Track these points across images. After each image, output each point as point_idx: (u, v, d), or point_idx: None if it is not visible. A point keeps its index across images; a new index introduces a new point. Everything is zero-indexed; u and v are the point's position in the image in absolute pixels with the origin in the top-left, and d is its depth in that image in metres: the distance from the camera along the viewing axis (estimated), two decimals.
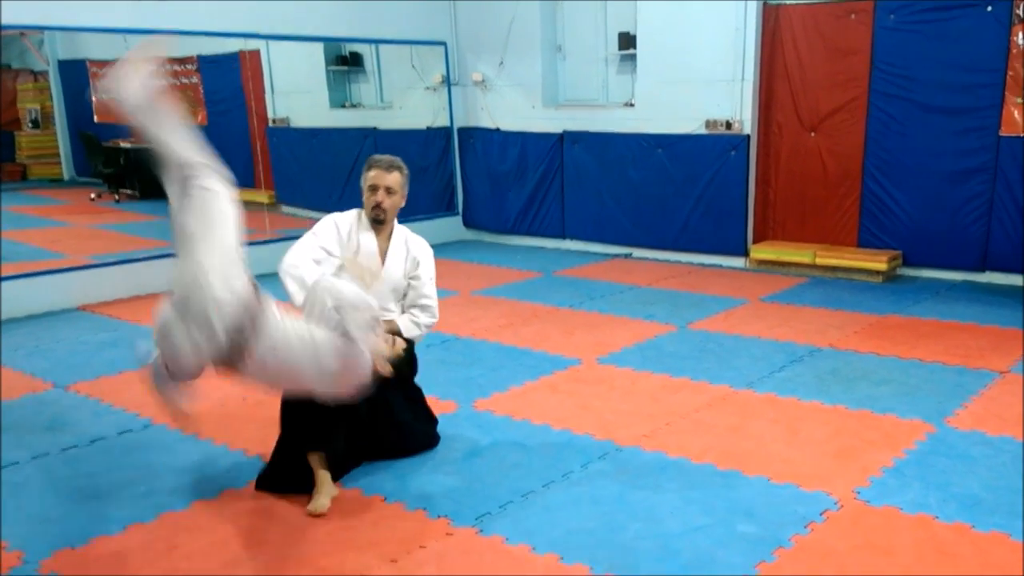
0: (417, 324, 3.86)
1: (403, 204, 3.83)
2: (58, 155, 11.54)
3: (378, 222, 3.78)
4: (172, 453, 4.00)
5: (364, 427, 3.71)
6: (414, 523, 3.29)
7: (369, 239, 3.78)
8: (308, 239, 3.73)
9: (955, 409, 4.29)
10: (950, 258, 7.07)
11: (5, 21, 6.42)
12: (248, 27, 7.74)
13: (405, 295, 3.86)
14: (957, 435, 3.99)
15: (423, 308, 3.86)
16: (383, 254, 3.80)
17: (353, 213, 3.84)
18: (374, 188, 3.73)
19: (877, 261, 7.10)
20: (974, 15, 6.58)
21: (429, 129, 9.56)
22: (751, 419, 4.26)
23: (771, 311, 6.32)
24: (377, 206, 3.73)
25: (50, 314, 6.60)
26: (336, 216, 3.82)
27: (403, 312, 3.87)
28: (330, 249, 3.71)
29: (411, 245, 3.88)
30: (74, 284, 6.88)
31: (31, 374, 5.19)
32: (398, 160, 3.84)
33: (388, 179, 3.73)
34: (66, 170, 11.51)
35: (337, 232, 3.75)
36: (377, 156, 3.85)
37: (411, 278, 3.85)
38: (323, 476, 3.50)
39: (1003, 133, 6.64)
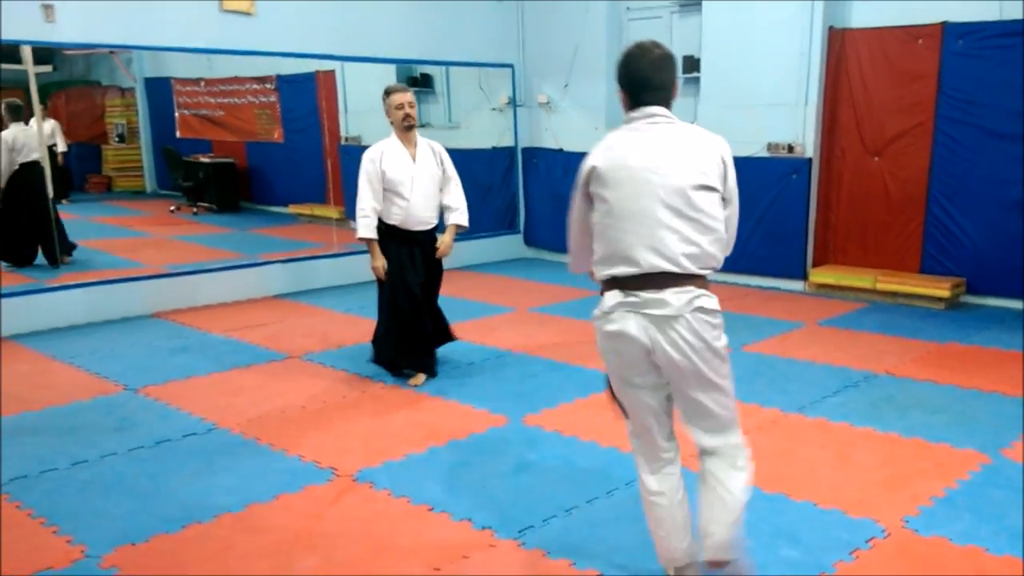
0: (463, 216, 5.34)
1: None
2: (141, 168, 12.02)
3: (410, 128, 5.07)
4: (232, 456, 4.17)
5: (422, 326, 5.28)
6: (459, 533, 3.38)
7: (401, 151, 5.07)
8: (363, 183, 5.03)
9: (1012, 440, 4.20)
10: (1015, 286, 6.87)
11: (98, 40, 6.79)
12: (325, 49, 8.02)
13: (441, 187, 5.24)
14: (1013, 467, 3.90)
15: (459, 208, 5.30)
16: (414, 156, 5.11)
17: (384, 140, 5.10)
18: (401, 106, 5.01)
19: (939, 288, 6.97)
20: None
21: (494, 149, 9.72)
22: (800, 444, 4.24)
23: (828, 335, 6.26)
24: (407, 116, 5.03)
25: (126, 320, 6.92)
26: (368, 153, 5.07)
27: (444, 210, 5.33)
28: (375, 179, 5.01)
29: (432, 145, 5.24)
30: (150, 292, 7.19)
31: (104, 377, 5.46)
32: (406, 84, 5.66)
33: (409, 96, 5.07)
34: (148, 183, 11.98)
35: (377, 164, 5.01)
36: (391, 84, 5.24)
37: (443, 173, 5.24)
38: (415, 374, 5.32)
39: None
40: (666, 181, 2.52)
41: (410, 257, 5.17)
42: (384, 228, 5.11)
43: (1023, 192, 6.72)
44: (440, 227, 5.37)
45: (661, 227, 2.52)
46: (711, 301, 2.56)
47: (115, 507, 3.65)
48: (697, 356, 2.55)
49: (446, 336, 5.52)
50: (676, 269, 2.52)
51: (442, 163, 5.27)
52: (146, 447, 4.30)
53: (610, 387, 2.81)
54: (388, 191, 5.05)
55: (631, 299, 2.56)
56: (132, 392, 5.17)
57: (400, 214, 5.10)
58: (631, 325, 2.57)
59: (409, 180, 5.06)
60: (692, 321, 2.52)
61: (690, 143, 2.59)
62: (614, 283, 2.61)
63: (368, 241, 5.09)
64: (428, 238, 5.27)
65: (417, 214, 5.13)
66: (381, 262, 5.10)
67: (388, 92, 5.10)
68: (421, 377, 5.29)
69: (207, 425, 4.59)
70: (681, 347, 2.53)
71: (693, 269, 2.54)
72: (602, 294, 2.67)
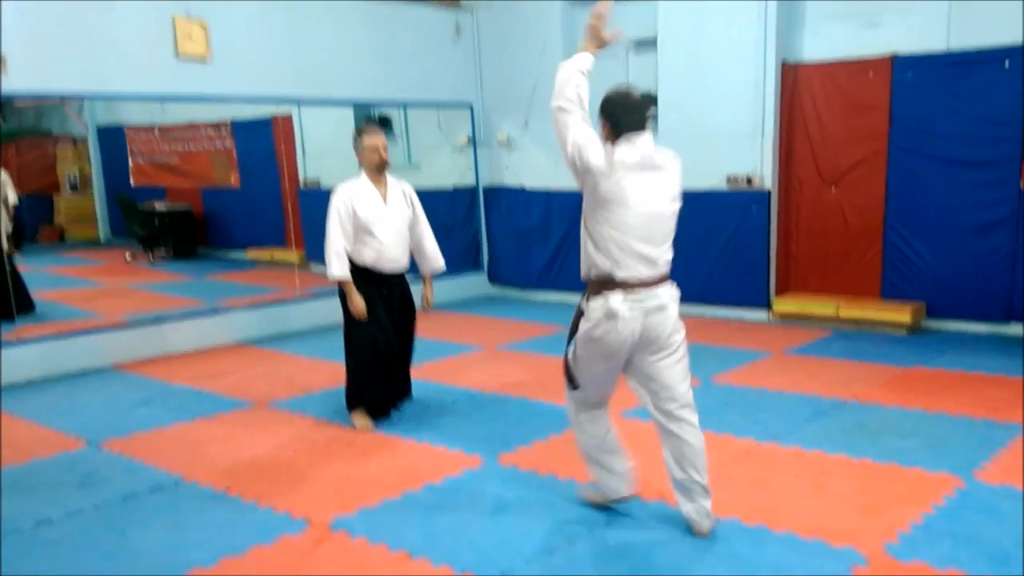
0: (438, 261, 5.44)
1: None
2: (95, 217, 11.84)
3: (382, 169, 5.08)
4: (202, 509, 4.06)
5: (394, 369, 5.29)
6: None
7: (372, 192, 5.05)
8: (333, 224, 4.95)
9: (983, 463, 4.25)
10: (975, 309, 7.03)
11: (47, 90, 6.70)
12: (281, 93, 7.98)
13: (410, 226, 5.26)
14: (986, 489, 3.95)
15: (433, 253, 5.40)
16: (385, 197, 5.10)
17: (353, 180, 5.07)
18: (375, 148, 5.01)
19: (901, 313, 7.09)
20: (991, 70, 6.65)
21: (455, 188, 9.74)
22: (777, 473, 4.25)
23: (795, 364, 6.32)
24: (380, 158, 5.03)
25: (85, 373, 6.74)
26: (339, 193, 5.01)
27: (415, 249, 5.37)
28: (347, 219, 4.97)
29: (402, 186, 5.26)
30: (108, 344, 7.03)
31: (65, 432, 5.30)
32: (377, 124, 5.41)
33: (383, 139, 5.08)
34: (102, 231, 11.80)
35: (349, 204, 4.97)
36: (362, 125, 5.34)
37: (414, 213, 5.27)
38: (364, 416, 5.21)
39: None
40: (656, 210, 3.39)
41: (380, 298, 5.12)
42: (355, 269, 5.04)
43: (978, 217, 6.89)
44: (410, 269, 5.33)
45: (651, 244, 3.38)
46: (678, 291, 3.52)
47: (83, 566, 3.53)
48: (674, 330, 3.48)
49: (405, 391, 5.52)
50: (659, 274, 3.41)
51: (412, 204, 5.29)
52: (112, 503, 4.17)
53: (568, 368, 3.71)
54: (360, 232, 5.01)
55: (632, 296, 3.35)
56: (95, 447, 5.03)
57: (372, 255, 5.06)
58: (634, 315, 3.35)
59: (381, 220, 5.04)
60: (673, 306, 3.46)
61: (668, 175, 3.45)
62: (614, 284, 3.35)
63: (343, 281, 5.01)
64: (398, 279, 5.24)
65: (388, 255, 5.10)
66: (361, 301, 5.01)
67: (360, 132, 5.10)
68: (370, 423, 5.21)
69: (174, 478, 4.47)
70: (667, 325, 3.43)
71: (667, 270, 3.46)
72: (597, 290, 3.40)
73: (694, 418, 3.56)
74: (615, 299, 3.33)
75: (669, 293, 3.44)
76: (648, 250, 3.34)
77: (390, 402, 5.34)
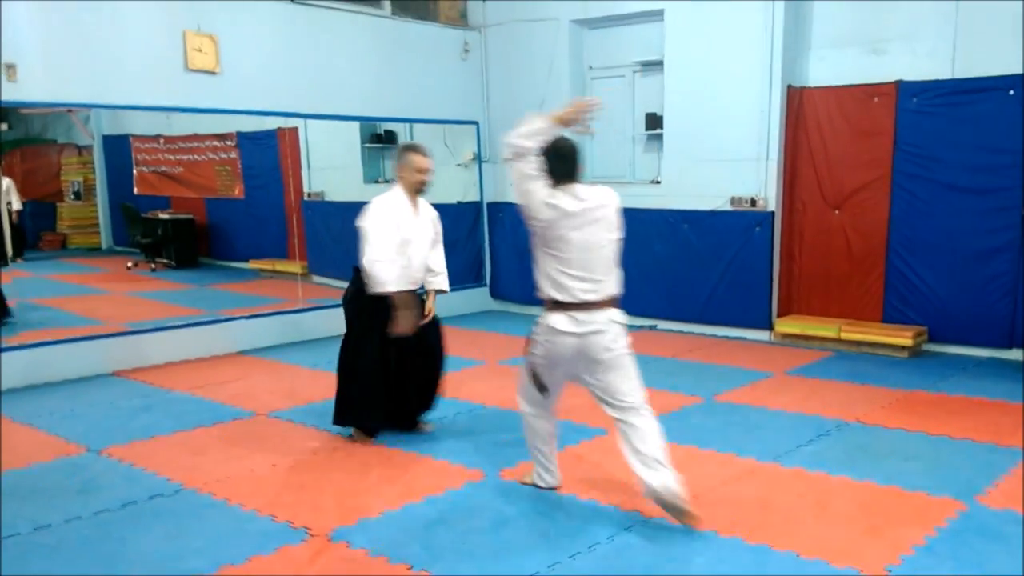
0: (446, 281, 5.36)
1: None
2: (97, 225, 11.85)
3: (421, 192, 5.01)
4: (202, 518, 4.05)
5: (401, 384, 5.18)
6: None
7: (409, 209, 4.97)
8: (382, 231, 4.79)
9: (986, 487, 4.24)
10: (976, 334, 7.05)
11: (57, 99, 6.73)
12: (289, 107, 8.03)
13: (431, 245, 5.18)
14: (989, 513, 3.94)
15: (442, 273, 5.30)
16: (416, 217, 5.02)
17: (390, 194, 4.97)
18: (424, 170, 4.93)
19: (902, 336, 7.10)
20: (996, 98, 6.70)
21: (459, 204, 9.77)
22: (779, 493, 4.24)
23: (797, 384, 6.32)
24: (425, 182, 4.97)
25: (85, 379, 6.74)
26: (381, 204, 4.89)
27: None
28: (393, 228, 4.82)
29: (428, 207, 5.18)
30: (109, 350, 7.03)
31: (65, 438, 5.29)
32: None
33: (432, 162, 5.00)
34: (104, 240, 11.81)
35: (394, 216, 4.87)
36: (413, 143, 5.26)
37: (435, 234, 5.19)
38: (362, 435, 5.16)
39: None
40: (597, 242, 3.80)
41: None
42: None
43: (981, 243, 6.91)
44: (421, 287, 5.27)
45: (592, 272, 3.79)
46: (621, 315, 3.89)
47: (82, 572, 3.51)
48: (611, 352, 3.83)
49: (405, 413, 5.33)
50: (602, 297, 3.82)
51: (435, 225, 5.23)
52: (112, 510, 4.15)
53: (533, 373, 4.07)
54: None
55: (571, 317, 3.80)
56: (95, 453, 5.01)
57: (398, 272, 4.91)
58: (571, 333, 3.80)
59: (415, 240, 4.99)
60: (610, 330, 3.82)
61: (607, 211, 3.84)
62: (559, 306, 3.82)
63: (397, 294, 4.79)
64: (416, 299, 5.12)
65: (413, 274, 5.02)
66: (411, 317, 4.85)
67: (410, 150, 5.00)
68: (369, 440, 5.15)
69: (174, 486, 4.45)
70: (603, 346, 3.81)
71: (609, 296, 3.85)
72: (547, 310, 3.87)
73: (644, 410, 3.89)
74: (555, 319, 3.83)
75: (607, 317, 3.82)
76: (588, 276, 3.78)
77: (384, 423, 5.21)
